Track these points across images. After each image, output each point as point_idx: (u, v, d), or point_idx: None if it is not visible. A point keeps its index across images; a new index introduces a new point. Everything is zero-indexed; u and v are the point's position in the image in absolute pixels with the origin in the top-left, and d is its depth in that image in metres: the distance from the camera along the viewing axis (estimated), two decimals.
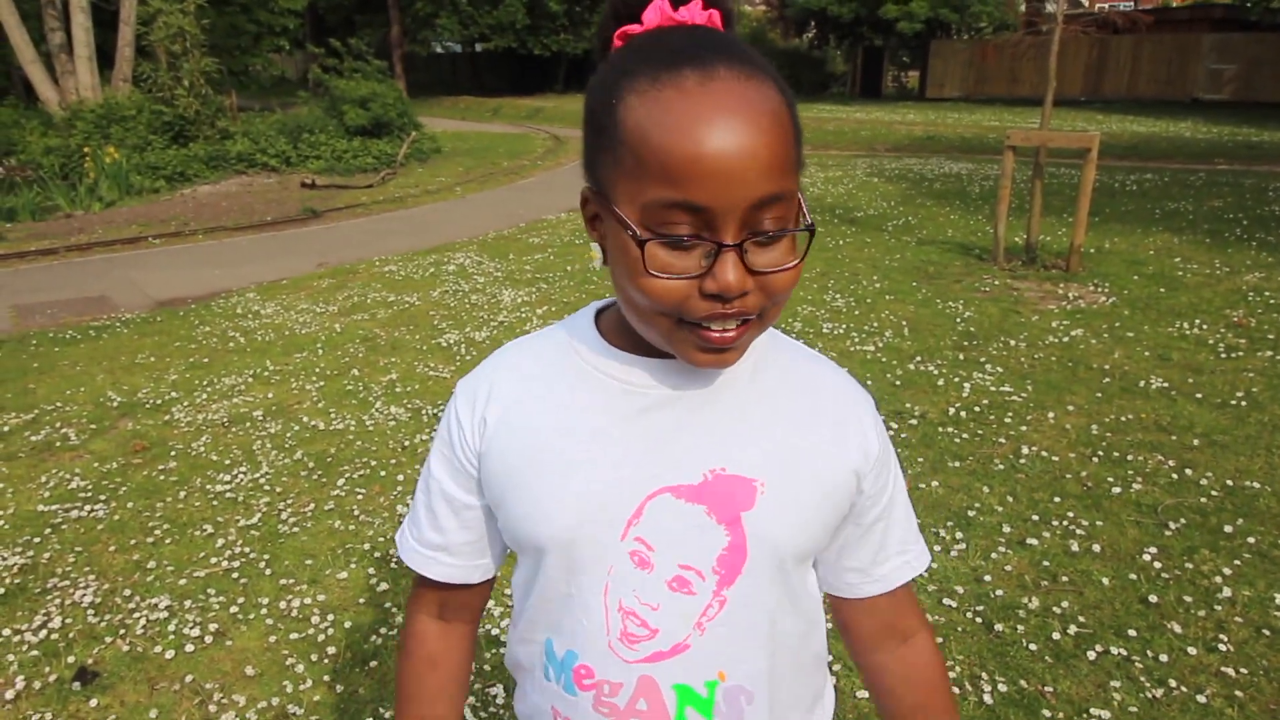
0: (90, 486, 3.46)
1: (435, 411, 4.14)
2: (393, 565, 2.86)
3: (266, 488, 3.41)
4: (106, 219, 10.76)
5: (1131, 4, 43.16)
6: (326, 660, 2.39)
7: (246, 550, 2.95)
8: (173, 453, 3.77)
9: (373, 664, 2.37)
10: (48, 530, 3.13)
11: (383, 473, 3.52)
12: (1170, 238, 7.59)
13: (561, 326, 0.86)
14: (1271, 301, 5.56)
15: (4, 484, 3.52)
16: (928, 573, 2.71)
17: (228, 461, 3.66)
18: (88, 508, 3.28)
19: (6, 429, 4.12)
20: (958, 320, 5.36)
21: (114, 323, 5.99)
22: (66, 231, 9.77)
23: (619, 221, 0.69)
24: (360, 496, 3.32)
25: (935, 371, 4.48)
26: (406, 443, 3.80)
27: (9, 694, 2.28)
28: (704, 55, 0.67)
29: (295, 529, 3.09)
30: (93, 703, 2.25)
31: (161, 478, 3.53)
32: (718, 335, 0.71)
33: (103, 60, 16.64)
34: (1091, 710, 2.12)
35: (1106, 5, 42.22)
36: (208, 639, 2.49)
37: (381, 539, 3.02)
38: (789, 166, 0.68)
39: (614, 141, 0.69)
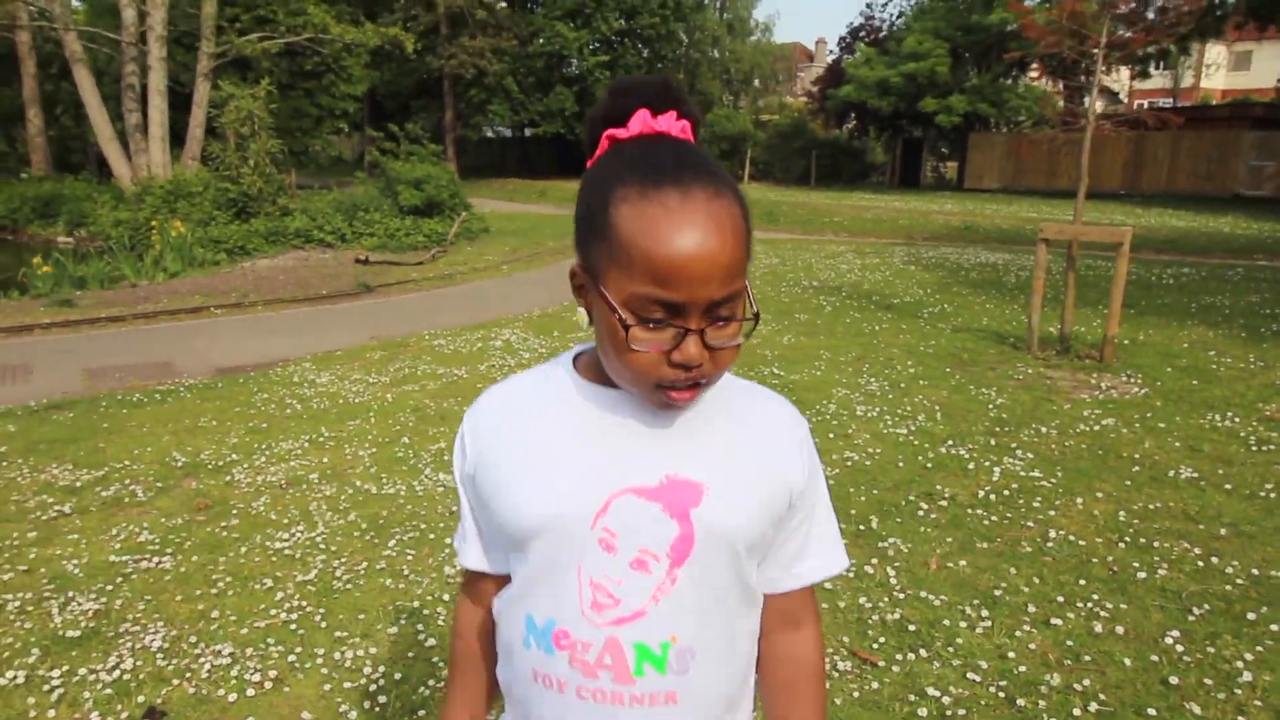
0: (158, 540, 3.68)
1: None
2: (439, 623, 3.01)
3: (322, 546, 3.60)
4: (171, 289, 11.27)
5: (1171, 100, 43.61)
6: (378, 709, 2.54)
7: (303, 604, 3.13)
8: (234, 511, 3.99)
9: (421, 713, 2.51)
10: (119, 579, 3.33)
11: (431, 535, 3.69)
12: (1205, 331, 7.66)
13: (546, 366, 1.08)
14: None
15: (78, 535, 3.75)
16: (953, 648, 2.81)
17: (285, 521, 3.87)
18: (155, 559, 3.49)
19: (79, 484, 4.38)
20: (990, 406, 5.47)
21: (178, 387, 6.30)
22: (133, 300, 10.26)
23: (607, 304, 0.89)
24: (410, 557, 3.50)
25: (966, 455, 4.59)
26: (454, 508, 3.98)
27: None
28: (683, 175, 0.87)
29: (349, 585, 3.27)
30: None
31: (224, 534, 3.74)
32: (678, 397, 0.92)
33: (172, 139, 17.61)
34: None
35: (1145, 103, 42.75)
36: (267, 685, 2.65)
37: (430, 597, 3.18)
38: (742, 269, 0.89)
39: (607, 239, 0.88)
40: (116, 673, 2.71)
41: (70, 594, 3.21)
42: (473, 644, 1.16)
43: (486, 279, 12.23)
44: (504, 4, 35.17)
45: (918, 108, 28.18)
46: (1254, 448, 4.68)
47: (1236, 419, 5.16)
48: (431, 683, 2.66)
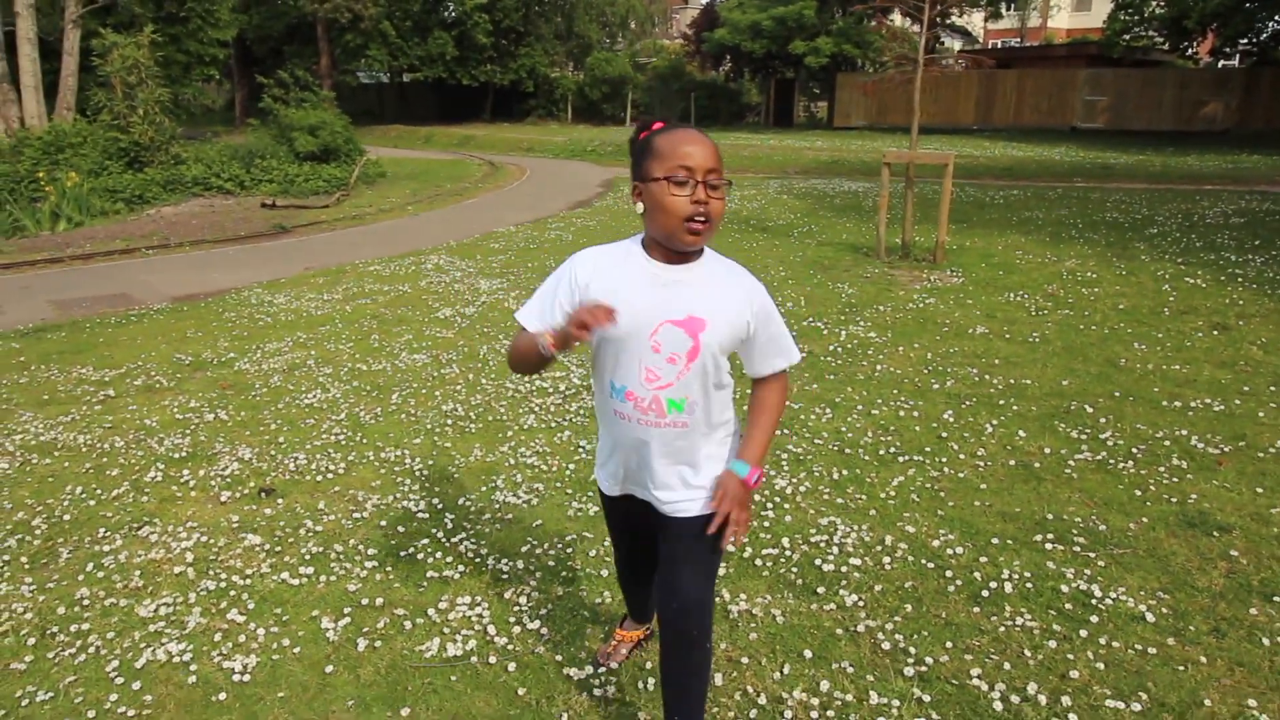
0: (205, 406, 4.68)
1: (450, 356, 5.47)
2: (450, 435, 4.17)
3: (341, 401, 4.69)
4: (87, 235, 11.64)
5: (1020, 40, 46.56)
6: (423, 479, 3.71)
7: (345, 431, 4.24)
8: (255, 386, 5.01)
9: (456, 477, 3.70)
10: (191, 428, 4.35)
11: (423, 391, 4.83)
12: (1019, 237, 9.34)
13: (625, 242, 1.84)
14: (1079, 279, 7.26)
15: (137, 406, 4.71)
16: (806, 429, 4.16)
17: (303, 389, 4.92)
18: (211, 415, 4.51)
19: (108, 379, 5.27)
20: (842, 295, 6.90)
21: (147, 311, 7.10)
22: (54, 247, 10.68)
23: (655, 181, 1.69)
24: (413, 404, 4.63)
25: (822, 326, 5.99)
26: (435, 374, 5.12)
27: (223, 498, 3.53)
28: (683, 125, 1.76)
29: (373, 421, 4.39)
30: (280, 502, 3.52)
31: (257, 399, 4.77)
32: (697, 227, 1.70)
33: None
34: (894, 483, 3.59)
35: (998, 42, 45.52)
36: (341, 470, 3.78)
37: (437, 424, 4.33)
38: (720, 161, 1.70)
39: (651, 154, 1.68)
40: (228, 471, 3.79)
41: (160, 436, 4.22)
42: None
43: (395, 219, 13.02)
44: None
45: (789, 50, 29.64)
46: (1032, 313, 6.24)
47: (1025, 295, 6.75)
48: (459, 461, 3.85)
